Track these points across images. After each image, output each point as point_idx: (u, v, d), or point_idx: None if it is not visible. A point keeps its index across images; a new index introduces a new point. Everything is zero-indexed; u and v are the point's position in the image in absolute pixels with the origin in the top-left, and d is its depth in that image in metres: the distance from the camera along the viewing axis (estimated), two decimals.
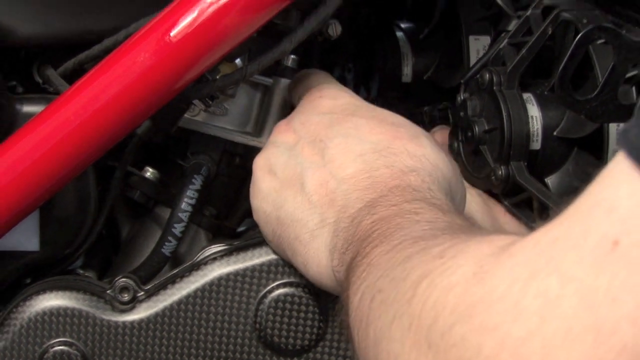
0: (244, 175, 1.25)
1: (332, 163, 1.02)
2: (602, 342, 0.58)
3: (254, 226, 1.22)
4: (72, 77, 1.14)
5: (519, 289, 0.63)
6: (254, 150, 1.21)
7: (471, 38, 1.25)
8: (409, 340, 0.71)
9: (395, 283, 0.76)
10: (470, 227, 0.87)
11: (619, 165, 0.61)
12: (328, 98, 1.10)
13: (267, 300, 1.11)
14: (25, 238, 1.17)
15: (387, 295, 0.76)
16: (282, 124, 1.11)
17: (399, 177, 0.98)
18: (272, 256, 1.11)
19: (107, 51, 1.11)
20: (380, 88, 1.39)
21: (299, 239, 1.03)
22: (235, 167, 1.25)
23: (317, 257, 1.00)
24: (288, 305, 1.11)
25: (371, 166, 1.00)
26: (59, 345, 1.12)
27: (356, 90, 1.43)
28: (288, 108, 1.24)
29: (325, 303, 1.10)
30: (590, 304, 0.60)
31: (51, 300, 1.12)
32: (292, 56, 1.22)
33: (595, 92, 0.99)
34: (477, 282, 0.67)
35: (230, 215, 1.27)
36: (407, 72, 1.35)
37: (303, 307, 1.10)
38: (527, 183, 1.06)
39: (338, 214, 0.99)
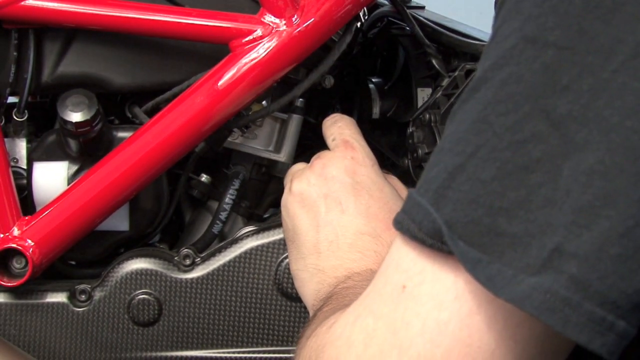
0: (268, 179, 1.25)
1: (342, 228, 0.94)
2: (403, 355, 0.59)
3: (275, 214, 1.25)
4: (151, 113, 1.14)
5: (349, 329, 0.64)
6: (275, 162, 1.22)
7: (419, 89, 1.25)
8: None
9: (310, 333, 0.75)
10: None
11: (397, 237, 0.62)
12: (357, 162, 0.98)
13: (283, 264, 1.11)
14: (119, 222, 1.16)
15: (304, 341, 0.75)
16: (318, 166, 0.98)
17: (379, 264, 0.88)
18: None
19: (175, 95, 1.11)
20: (357, 122, 1.31)
21: (297, 261, 0.96)
22: (262, 174, 1.24)
23: (304, 286, 0.95)
24: None
25: (365, 246, 0.92)
26: (142, 295, 1.12)
27: None
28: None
29: None
30: (393, 330, 0.60)
31: (137, 264, 1.12)
32: (300, 99, 1.22)
33: None
34: (327, 331, 0.68)
35: (258, 206, 1.26)
36: (376, 111, 1.34)
37: None
38: None
39: (330, 270, 0.92)
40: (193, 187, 1.22)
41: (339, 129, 1.04)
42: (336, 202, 0.95)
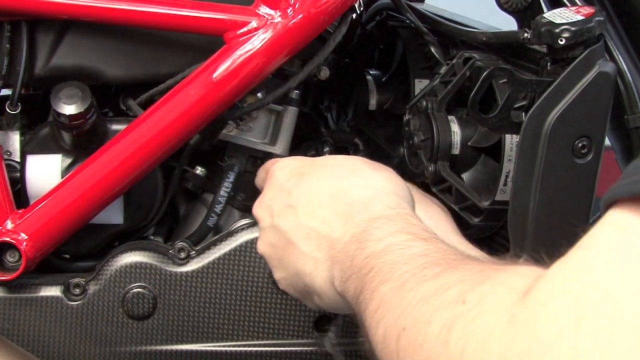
0: None
1: (305, 217, 0.90)
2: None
3: None
4: (145, 105, 1.14)
5: (572, 332, 0.53)
6: (271, 155, 1.21)
7: (416, 81, 1.24)
8: None
9: (419, 325, 0.64)
10: (459, 254, 0.75)
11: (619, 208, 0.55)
12: (280, 169, 0.97)
13: None
14: (114, 215, 1.16)
15: (413, 335, 0.64)
16: (258, 210, 0.97)
17: (366, 208, 0.86)
18: None
19: (170, 87, 1.11)
20: (354, 114, 1.37)
21: (307, 285, 0.90)
22: (257, 166, 1.18)
23: (325, 292, 0.88)
24: None
25: (336, 207, 0.88)
26: (136, 288, 1.12)
27: (337, 114, 1.43)
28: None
29: None
30: None
31: (131, 257, 1.12)
32: (296, 91, 1.21)
33: (495, 112, 0.99)
34: (519, 330, 0.56)
35: (254, 199, 1.17)
36: (373, 103, 1.33)
37: None
38: (449, 176, 1.06)
39: (328, 252, 0.87)
40: (188, 180, 1.22)
41: (263, 170, 1.03)
42: (285, 210, 0.93)
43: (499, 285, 0.62)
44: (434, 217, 1.02)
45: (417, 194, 1.04)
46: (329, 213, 0.89)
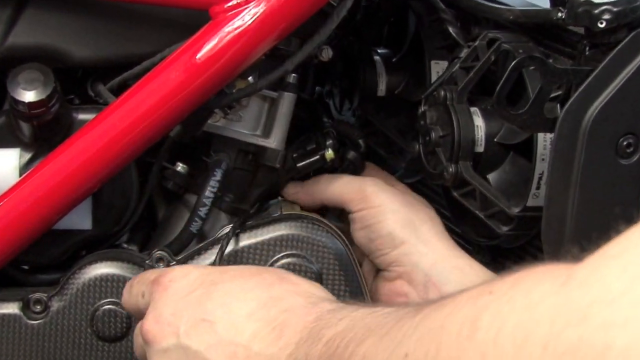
0: (255, 169, 1.19)
1: (228, 333, 0.81)
2: None
3: (265, 209, 1.20)
4: (118, 91, 1.09)
5: None
6: (264, 148, 1.17)
7: (432, 62, 1.19)
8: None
9: (429, 337, 0.58)
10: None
11: None
12: (179, 279, 0.88)
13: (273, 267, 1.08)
14: (81, 219, 1.11)
15: (422, 351, 0.58)
16: (154, 328, 0.85)
17: (309, 312, 0.79)
18: (277, 233, 1.08)
19: (146, 70, 1.05)
20: (360, 100, 1.31)
21: None
22: (248, 162, 1.17)
23: None
24: (290, 270, 1.06)
25: (269, 317, 0.81)
26: (108, 305, 1.09)
27: (341, 101, 1.38)
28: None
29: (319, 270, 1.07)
30: None
31: (102, 269, 1.09)
32: (293, 74, 1.16)
33: (525, 108, 0.93)
34: (577, 287, 0.51)
35: (244, 200, 1.19)
36: (382, 88, 1.27)
37: (302, 272, 1.06)
38: (472, 178, 1.02)
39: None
40: (167, 178, 1.17)
41: (142, 281, 0.94)
42: (196, 325, 0.85)
43: (535, 270, 0.56)
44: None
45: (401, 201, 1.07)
46: (260, 325, 0.80)
